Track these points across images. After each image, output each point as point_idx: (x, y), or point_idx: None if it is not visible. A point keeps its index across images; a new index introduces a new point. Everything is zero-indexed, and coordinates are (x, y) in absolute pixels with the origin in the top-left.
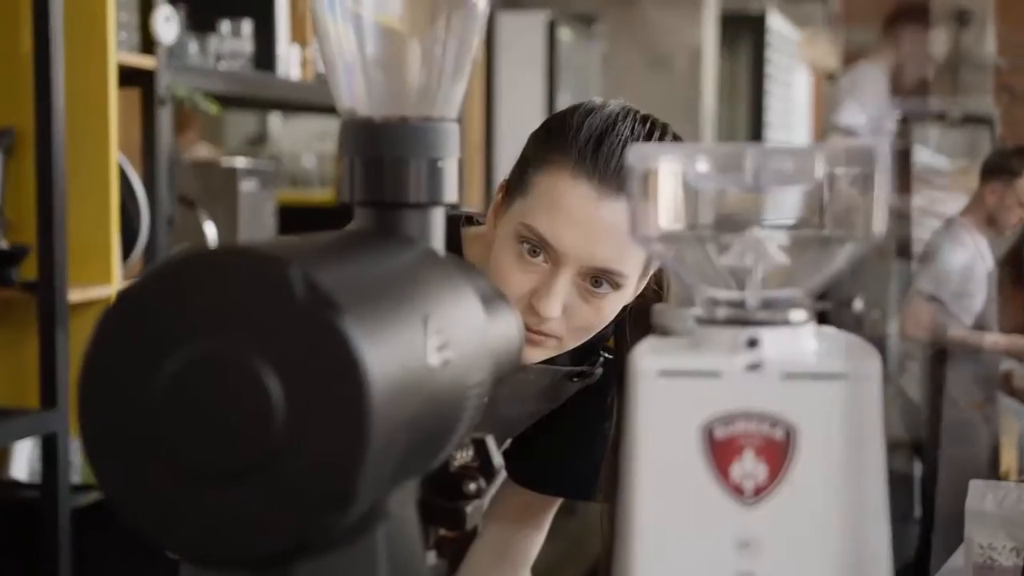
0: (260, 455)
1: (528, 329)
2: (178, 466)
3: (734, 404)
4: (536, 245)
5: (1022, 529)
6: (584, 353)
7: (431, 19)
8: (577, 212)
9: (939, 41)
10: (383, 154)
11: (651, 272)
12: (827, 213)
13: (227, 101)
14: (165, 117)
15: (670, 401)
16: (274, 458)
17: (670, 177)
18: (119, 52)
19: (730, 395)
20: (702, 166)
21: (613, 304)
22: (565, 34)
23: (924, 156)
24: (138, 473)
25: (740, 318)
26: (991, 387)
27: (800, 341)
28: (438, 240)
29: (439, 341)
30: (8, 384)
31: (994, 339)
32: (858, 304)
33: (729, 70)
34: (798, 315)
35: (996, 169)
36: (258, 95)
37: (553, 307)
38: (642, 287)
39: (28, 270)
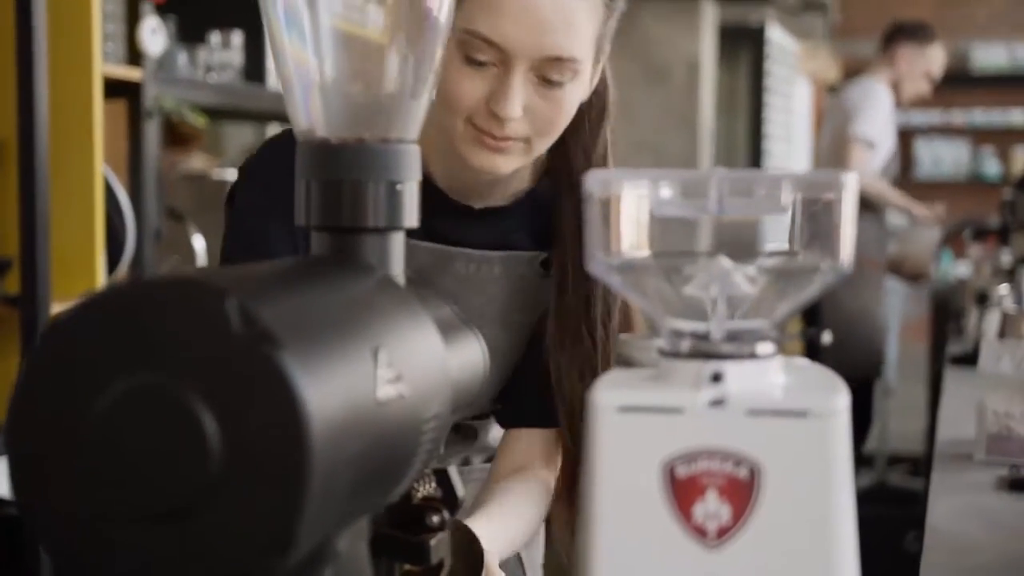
0: (194, 495)
1: (492, 136)
2: (110, 504)
3: (696, 441)
4: (480, 50)
5: None
6: (545, 239)
7: (390, 35)
8: (515, 3)
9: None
10: (340, 177)
11: (603, 59)
12: (795, 242)
13: (217, 113)
14: (151, 130)
15: (630, 438)
16: (209, 498)
17: (632, 204)
18: (105, 64)
19: (692, 432)
20: (665, 192)
21: (571, 96)
22: None
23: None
24: (69, 509)
25: (704, 351)
26: (884, 251)
27: (766, 375)
28: (397, 266)
29: (391, 374)
30: None
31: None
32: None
33: (729, 82)
34: (765, 348)
35: (906, 34)
36: (247, 107)
37: (512, 106)
38: (597, 77)
39: (11, 284)
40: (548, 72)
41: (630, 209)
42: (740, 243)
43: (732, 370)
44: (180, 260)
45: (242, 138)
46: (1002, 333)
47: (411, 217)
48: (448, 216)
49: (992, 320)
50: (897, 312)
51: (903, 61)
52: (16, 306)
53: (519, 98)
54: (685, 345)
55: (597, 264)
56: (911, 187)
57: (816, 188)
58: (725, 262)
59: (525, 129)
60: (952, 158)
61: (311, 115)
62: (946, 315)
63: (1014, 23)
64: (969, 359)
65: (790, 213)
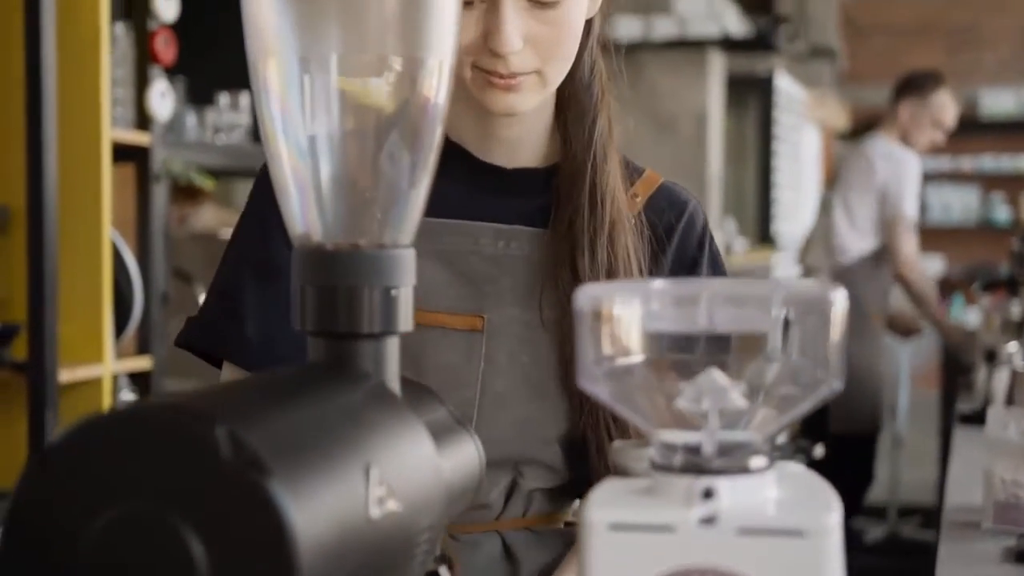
0: None
1: (500, 76)
2: None
3: (688, 560)
4: None
5: None
6: None
7: (387, 136)
8: None
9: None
10: (336, 283)
11: None
12: (786, 355)
13: (226, 172)
14: (160, 193)
15: (622, 556)
16: None
17: (622, 318)
18: (114, 129)
19: (684, 551)
20: (656, 307)
21: (572, 13)
22: None
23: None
24: None
25: (696, 466)
26: (886, 305)
27: (759, 490)
28: (392, 371)
29: (383, 491)
30: None
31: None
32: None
33: (737, 131)
34: (757, 462)
35: (909, 87)
36: (256, 167)
37: (509, 39)
38: None
39: (18, 349)
40: None
41: (620, 323)
42: (732, 356)
43: (724, 485)
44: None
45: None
46: (1011, 392)
47: (407, 321)
48: (477, 182)
49: (1001, 379)
50: (906, 361)
51: (906, 113)
52: (24, 372)
53: (515, 30)
54: (677, 459)
55: (587, 376)
56: (921, 234)
57: (806, 303)
58: (717, 375)
59: (532, 60)
60: (962, 204)
61: (307, 220)
62: (956, 366)
63: (1022, 69)
64: (978, 417)
65: (781, 326)
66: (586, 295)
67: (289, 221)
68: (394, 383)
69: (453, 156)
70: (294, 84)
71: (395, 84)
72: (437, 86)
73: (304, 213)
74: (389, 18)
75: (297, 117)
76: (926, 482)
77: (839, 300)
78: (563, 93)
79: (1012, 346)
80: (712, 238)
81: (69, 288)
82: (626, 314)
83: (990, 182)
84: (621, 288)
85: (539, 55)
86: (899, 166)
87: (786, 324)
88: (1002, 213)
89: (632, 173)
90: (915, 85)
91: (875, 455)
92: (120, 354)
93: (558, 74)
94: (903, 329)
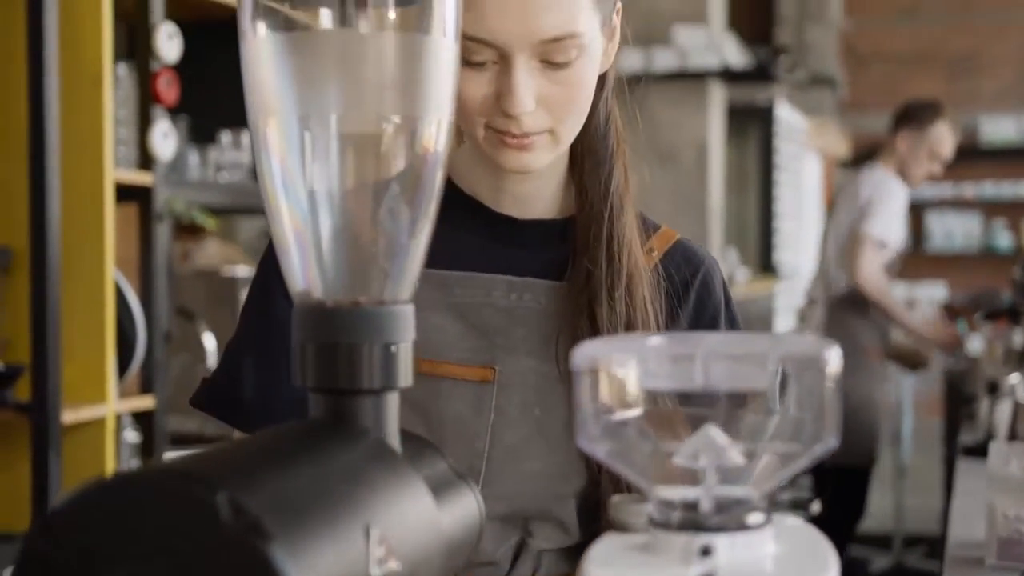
0: None
1: (513, 136)
2: None
3: None
4: (474, 52)
5: None
6: None
7: (382, 194)
8: None
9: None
10: (337, 340)
11: (616, 20)
12: (782, 412)
13: (228, 210)
14: (162, 233)
15: None
16: None
17: (619, 376)
18: (117, 169)
19: None
20: (651, 364)
21: (584, 71)
22: None
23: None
24: None
25: (694, 523)
26: (884, 340)
27: (757, 547)
28: (392, 426)
29: (382, 551)
30: (0, 508)
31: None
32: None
33: (738, 160)
34: (755, 518)
35: (906, 119)
36: (258, 205)
37: (522, 100)
38: (616, 40)
39: (22, 390)
40: (551, 55)
41: (617, 381)
42: (729, 412)
43: (722, 543)
44: (191, 359)
45: (255, 226)
46: (1014, 426)
47: (406, 376)
48: (491, 233)
49: (1004, 411)
50: (909, 389)
51: (903, 145)
52: (27, 413)
53: (527, 91)
54: (675, 516)
55: (585, 434)
56: (923, 261)
57: (802, 360)
58: (714, 432)
59: (545, 120)
60: (964, 231)
61: (307, 277)
62: (959, 395)
63: (1022, 96)
64: (981, 450)
65: (777, 384)
66: (583, 354)
67: (289, 278)
68: (394, 438)
69: (467, 208)
70: (294, 143)
71: (394, 142)
72: (435, 143)
73: (304, 270)
74: (388, 78)
75: (297, 175)
76: (932, 511)
77: (834, 357)
78: (578, 145)
79: (1014, 378)
80: (730, 298)
81: (72, 329)
82: (622, 372)
83: (992, 209)
84: (618, 346)
85: (552, 114)
86: (880, 189)
87: (783, 380)
88: (1004, 239)
89: (648, 227)
90: (913, 116)
91: (868, 488)
92: (123, 393)
93: (571, 132)
94: (909, 362)
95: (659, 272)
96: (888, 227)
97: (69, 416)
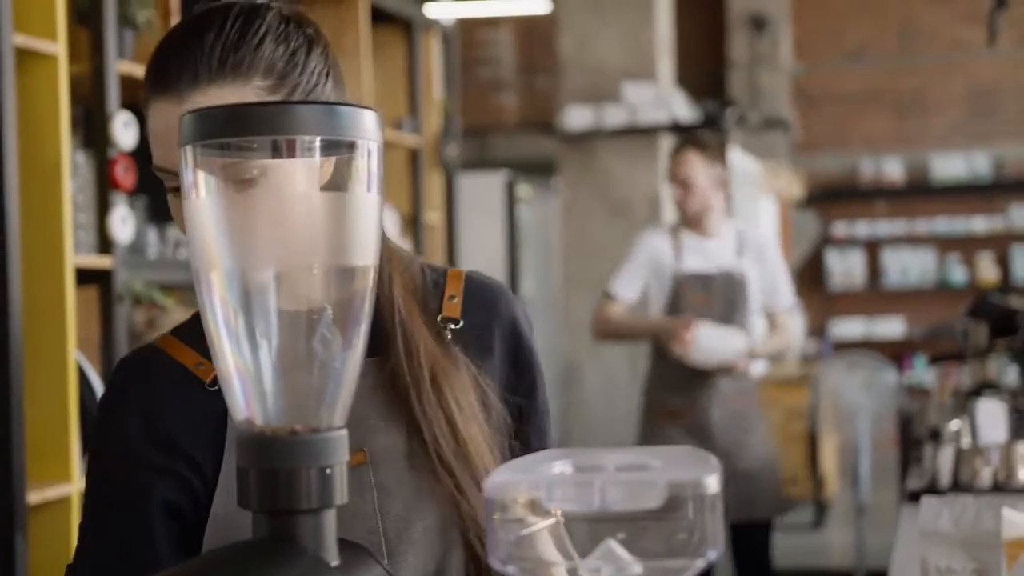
0: None
1: None
2: None
3: None
4: (169, 180)
5: (983, 548)
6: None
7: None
8: (160, 126)
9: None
10: (277, 466)
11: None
12: (670, 529)
13: (188, 287)
14: (122, 314)
15: None
16: None
17: (527, 502)
18: (77, 254)
19: None
20: (556, 491)
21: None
22: (524, 190)
23: None
24: None
25: None
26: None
27: None
28: (329, 540)
29: None
30: None
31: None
32: None
33: None
34: None
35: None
36: None
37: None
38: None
39: None
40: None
41: (525, 506)
42: (627, 529)
43: None
44: None
45: None
46: (956, 471)
47: (342, 495)
48: None
49: (946, 457)
50: (867, 426)
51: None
52: None
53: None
54: None
55: (496, 555)
56: (880, 296)
57: (683, 486)
58: (614, 546)
59: None
60: (919, 267)
61: (249, 408)
62: (910, 434)
63: (970, 134)
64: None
65: (664, 507)
66: (494, 482)
67: (233, 408)
68: (331, 552)
69: None
70: (234, 289)
71: (325, 285)
72: (364, 281)
73: (246, 401)
74: (318, 231)
75: (238, 317)
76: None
77: (712, 483)
78: None
79: (954, 424)
80: (525, 330)
81: (35, 410)
82: (529, 497)
83: (945, 244)
84: (525, 476)
85: None
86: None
87: (669, 502)
88: (959, 274)
89: (436, 275)
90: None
91: (770, 543)
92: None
93: None
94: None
95: (464, 320)
96: (619, 280)
97: (34, 496)
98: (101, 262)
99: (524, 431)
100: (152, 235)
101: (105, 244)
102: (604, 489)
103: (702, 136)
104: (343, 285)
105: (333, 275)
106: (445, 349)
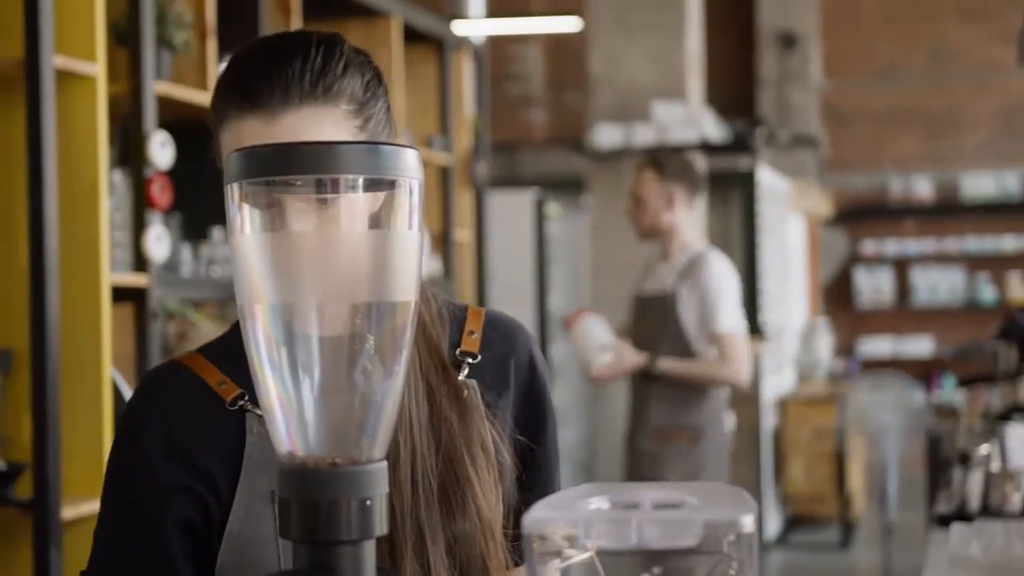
0: None
1: None
2: None
3: None
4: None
5: (1012, 574)
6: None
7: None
8: (247, 142)
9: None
10: (318, 497)
11: None
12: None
13: (219, 303)
14: (157, 331)
15: None
16: None
17: (564, 538)
18: (113, 272)
19: None
20: (593, 528)
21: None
22: (553, 208)
23: None
24: None
25: None
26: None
27: None
28: (369, 571)
29: None
30: None
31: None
32: None
33: (721, 224)
34: None
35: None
36: None
37: None
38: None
39: (23, 488)
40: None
41: (563, 541)
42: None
43: None
44: None
45: None
46: (986, 495)
47: (381, 526)
48: None
49: (976, 481)
50: (893, 448)
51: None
52: (29, 510)
53: None
54: None
55: None
56: (909, 315)
57: (720, 527)
58: None
59: None
60: (948, 285)
61: (292, 441)
62: (939, 456)
63: (1000, 153)
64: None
65: (700, 544)
66: (532, 519)
67: (276, 440)
68: None
69: None
70: (278, 325)
71: (367, 321)
72: (405, 316)
73: (288, 434)
74: (360, 269)
75: (282, 352)
76: (920, 568)
77: (748, 522)
78: None
79: (984, 448)
80: (541, 369)
81: (71, 426)
82: (566, 534)
83: (975, 263)
84: (563, 514)
85: None
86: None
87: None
88: (988, 293)
89: (455, 310)
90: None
91: None
92: None
93: None
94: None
95: (482, 356)
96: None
97: (69, 512)
98: (137, 280)
99: (529, 471)
100: (187, 253)
101: (141, 262)
102: (641, 527)
103: (666, 157)
104: (384, 320)
105: (375, 310)
106: (451, 384)
